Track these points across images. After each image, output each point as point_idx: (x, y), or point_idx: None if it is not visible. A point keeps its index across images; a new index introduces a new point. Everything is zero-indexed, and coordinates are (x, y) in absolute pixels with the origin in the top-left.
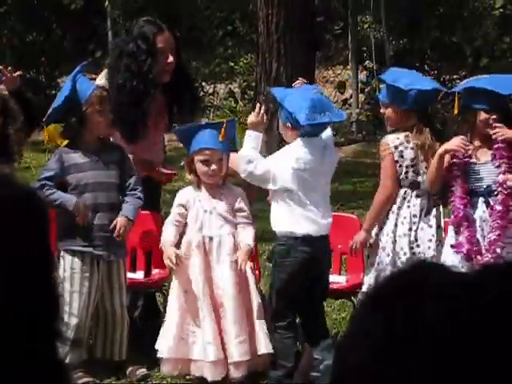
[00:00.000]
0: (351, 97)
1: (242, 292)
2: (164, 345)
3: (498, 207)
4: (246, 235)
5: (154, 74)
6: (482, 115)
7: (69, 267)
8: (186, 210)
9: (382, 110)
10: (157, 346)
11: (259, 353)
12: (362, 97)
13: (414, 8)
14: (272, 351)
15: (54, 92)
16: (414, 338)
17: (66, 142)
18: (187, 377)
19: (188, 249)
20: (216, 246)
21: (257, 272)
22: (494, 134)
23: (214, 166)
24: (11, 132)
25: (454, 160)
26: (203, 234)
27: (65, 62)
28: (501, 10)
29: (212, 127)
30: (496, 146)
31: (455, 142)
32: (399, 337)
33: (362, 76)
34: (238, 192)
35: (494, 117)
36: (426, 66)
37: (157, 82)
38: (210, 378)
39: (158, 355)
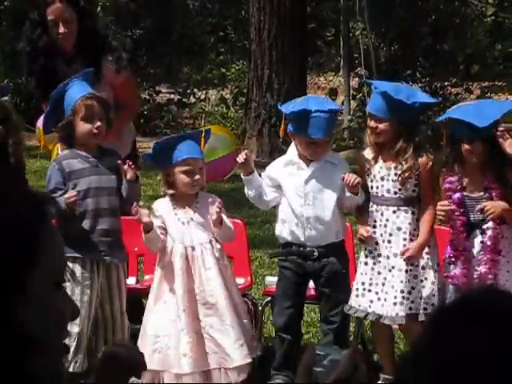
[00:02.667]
0: (343, 103)
1: (230, 298)
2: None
3: (489, 242)
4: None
5: (45, 44)
6: (465, 146)
7: (69, 275)
8: (163, 220)
9: (372, 124)
10: None
11: (251, 357)
12: (353, 103)
13: (406, 15)
14: (258, 354)
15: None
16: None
17: (56, 147)
18: None
19: (170, 260)
20: (199, 254)
21: (248, 278)
22: (486, 213)
23: (197, 176)
24: (10, 142)
25: (449, 194)
26: (185, 245)
27: None
28: (492, 17)
29: (189, 137)
30: (485, 184)
31: (441, 209)
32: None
33: (354, 83)
34: (212, 199)
35: (477, 147)
36: (417, 73)
37: (55, 51)
38: None
39: None
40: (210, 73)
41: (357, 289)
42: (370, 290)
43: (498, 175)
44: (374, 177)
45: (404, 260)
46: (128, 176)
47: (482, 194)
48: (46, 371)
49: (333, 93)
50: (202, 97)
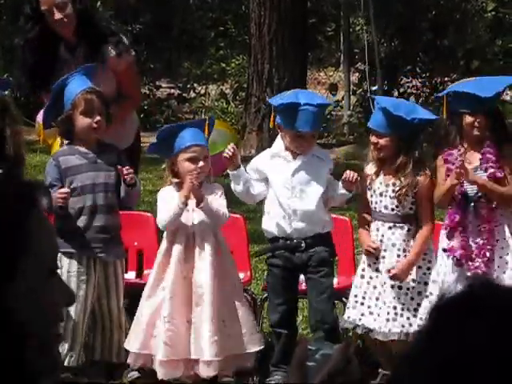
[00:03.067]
0: (343, 98)
1: (223, 291)
2: (133, 339)
3: (485, 211)
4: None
5: (36, 35)
6: (468, 119)
7: (66, 270)
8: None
9: (373, 139)
10: (126, 340)
11: (247, 351)
12: (353, 99)
13: (406, 11)
14: (258, 349)
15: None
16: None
17: (56, 142)
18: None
19: (171, 248)
20: (199, 243)
21: (248, 273)
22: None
23: (201, 163)
24: (8, 134)
25: (448, 166)
26: (187, 232)
27: None
28: (493, 12)
29: (192, 125)
30: (483, 150)
31: (454, 177)
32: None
33: (355, 78)
34: (216, 187)
35: (479, 120)
36: (417, 69)
37: (56, 40)
38: (159, 376)
39: (126, 347)
40: (210, 67)
41: (349, 301)
42: (362, 303)
43: (496, 149)
44: (374, 192)
45: (391, 278)
46: (127, 180)
47: (477, 165)
48: (38, 358)
49: (333, 88)
50: (202, 92)
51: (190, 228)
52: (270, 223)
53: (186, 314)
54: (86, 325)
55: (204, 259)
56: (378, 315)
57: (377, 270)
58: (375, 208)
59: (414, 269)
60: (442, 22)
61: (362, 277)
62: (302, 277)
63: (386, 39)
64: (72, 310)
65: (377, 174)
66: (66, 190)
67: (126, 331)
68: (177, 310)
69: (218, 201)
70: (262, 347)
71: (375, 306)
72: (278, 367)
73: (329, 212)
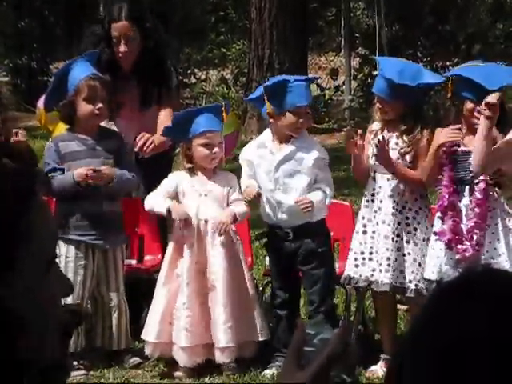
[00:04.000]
0: (344, 83)
1: (235, 278)
2: (151, 329)
3: (478, 195)
4: (236, 206)
5: (107, 59)
6: (469, 105)
7: (64, 256)
8: (174, 191)
9: (378, 104)
10: (144, 330)
11: (256, 339)
12: (354, 83)
13: None
14: (267, 337)
15: (45, 78)
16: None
17: (58, 128)
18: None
19: (183, 233)
20: (210, 229)
21: (249, 259)
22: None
23: (216, 149)
24: None
25: (443, 148)
26: (199, 218)
27: (57, 49)
28: None
29: (208, 110)
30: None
31: (448, 134)
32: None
33: (355, 63)
34: (229, 176)
35: (479, 108)
36: (418, 53)
37: (114, 67)
38: (181, 364)
39: (144, 338)
40: (210, 53)
41: (355, 259)
42: (370, 259)
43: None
44: (377, 144)
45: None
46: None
47: (472, 148)
48: (28, 349)
49: (334, 73)
50: (203, 77)
51: (201, 214)
52: (263, 211)
53: (202, 300)
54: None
55: (216, 246)
56: (379, 269)
57: (377, 223)
58: (376, 159)
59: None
60: (443, 6)
61: (365, 232)
62: None
63: (388, 24)
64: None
65: (382, 129)
66: (91, 167)
67: (126, 318)
68: (194, 296)
69: (239, 203)
70: (269, 337)
71: (372, 259)
72: (280, 351)
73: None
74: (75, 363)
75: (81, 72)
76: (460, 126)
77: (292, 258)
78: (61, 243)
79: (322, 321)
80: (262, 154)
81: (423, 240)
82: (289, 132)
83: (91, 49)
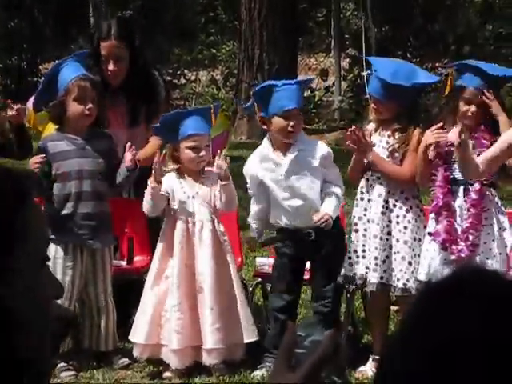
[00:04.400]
0: (334, 84)
1: (222, 279)
2: (139, 330)
3: (474, 195)
4: None
5: (95, 75)
6: (463, 108)
7: (52, 256)
8: (166, 193)
9: (373, 105)
10: (131, 332)
11: (244, 341)
12: (344, 84)
13: None
14: (256, 339)
15: (35, 79)
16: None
17: (48, 128)
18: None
19: (172, 235)
20: (198, 231)
21: (239, 259)
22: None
23: (203, 152)
24: None
25: (437, 149)
26: (186, 219)
27: (47, 49)
28: None
29: (197, 113)
30: (476, 135)
31: (433, 135)
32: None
33: (345, 64)
34: (216, 177)
35: (473, 110)
36: (408, 54)
37: (104, 85)
38: (173, 366)
39: (132, 339)
40: (200, 54)
41: (349, 257)
42: (364, 257)
43: (490, 133)
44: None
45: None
46: (126, 163)
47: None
48: (28, 348)
49: (324, 74)
50: (193, 78)
51: (189, 216)
52: (278, 217)
53: (193, 302)
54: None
55: (204, 247)
56: (370, 267)
57: (368, 221)
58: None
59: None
60: (432, 7)
61: (356, 231)
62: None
63: (377, 24)
64: None
65: (376, 129)
66: (40, 156)
67: (113, 319)
68: (184, 298)
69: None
70: (257, 339)
71: (363, 257)
72: (269, 353)
73: None
74: (64, 364)
75: (71, 72)
76: (442, 124)
77: (306, 259)
78: (50, 244)
79: (314, 322)
80: (266, 167)
81: (414, 239)
82: (281, 138)
83: (88, 63)
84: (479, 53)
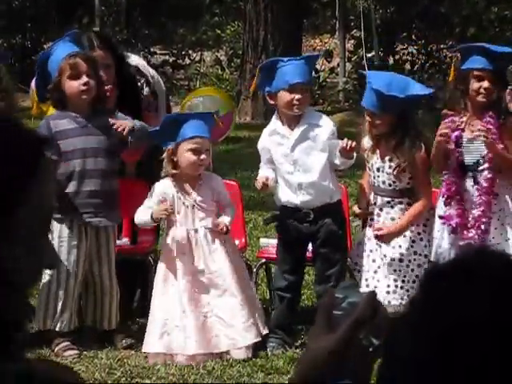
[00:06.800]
0: (338, 65)
1: (240, 277)
2: (151, 340)
3: (484, 183)
4: (225, 215)
5: None
6: (474, 85)
7: (57, 236)
8: (164, 199)
9: (368, 118)
10: (144, 342)
11: (259, 337)
12: (349, 66)
13: None
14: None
15: None
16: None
17: (50, 109)
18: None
19: (173, 244)
20: (203, 237)
21: (243, 240)
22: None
23: (203, 156)
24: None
25: (448, 132)
26: (187, 228)
27: (51, 28)
28: None
29: (198, 117)
30: (484, 120)
31: (441, 130)
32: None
33: (350, 45)
34: (214, 181)
35: (486, 86)
36: (413, 36)
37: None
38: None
39: (145, 350)
40: (204, 34)
41: (369, 278)
42: (373, 278)
43: (498, 119)
44: (372, 166)
45: (376, 237)
46: (125, 132)
47: (477, 133)
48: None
49: (328, 55)
50: (197, 58)
51: (190, 224)
52: (281, 193)
53: (203, 306)
54: (77, 290)
55: (214, 250)
56: (375, 287)
57: (376, 244)
58: (373, 183)
59: (412, 239)
60: None
61: (363, 250)
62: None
63: (382, 6)
64: (63, 275)
65: (373, 150)
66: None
67: (117, 298)
68: (194, 304)
69: (227, 211)
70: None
71: (372, 279)
72: (274, 333)
73: (336, 179)
74: (67, 343)
75: (61, 53)
76: (460, 105)
77: (307, 240)
78: (54, 223)
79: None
80: (275, 140)
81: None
82: (286, 111)
83: None
84: (484, 35)
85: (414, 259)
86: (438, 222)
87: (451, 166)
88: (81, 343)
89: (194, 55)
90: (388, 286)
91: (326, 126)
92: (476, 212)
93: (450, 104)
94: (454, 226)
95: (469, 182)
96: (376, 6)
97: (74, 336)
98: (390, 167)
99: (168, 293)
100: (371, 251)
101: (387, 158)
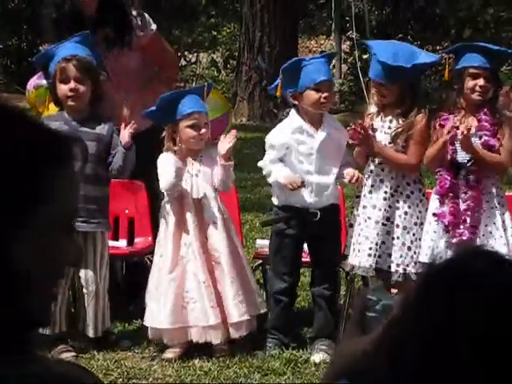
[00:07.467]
0: (334, 67)
1: (234, 253)
2: (164, 316)
3: (473, 178)
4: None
5: (69, 10)
6: (470, 83)
7: None
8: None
9: (375, 89)
10: (156, 320)
11: (257, 313)
12: (344, 67)
13: None
14: (265, 311)
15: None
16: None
17: (51, 109)
18: (169, 343)
19: (180, 214)
20: (207, 206)
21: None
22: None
23: (203, 130)
24: None
25: (443, 131)
26: (193, 197)
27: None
28: None
29: (192, 92)
30: (479, 117)
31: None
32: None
33: (346, 46)
34: (214, 154)
35: (481, 83)
36: (408, 37)
37: (79, 18)
38: (214, 342)
39: (158, 326)
40: (200, 35)
41: (353, 243)
42: (360, 243)
43: (492, 116)
44: (372, 126)
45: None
46: (123, 141)
47: (473, 131)
48: (36, 309)
49: None
50: (193, 60)
51: (195, 194)
52: (288, 191)
53: (213, 277)
54: (65, 294)
55: (214, 223)
56: (359, 251)
57: (363, 207)
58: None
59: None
60: None
61: (358, 216)
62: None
63: (377, 7)
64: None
65: (378, 113)
66: None
67: (104, 304)
68: (208, 274)
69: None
70: (266, 310)
71: (356, 243)
72: (271, 334)
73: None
74: (64, 346)
75: (60, 55)
76: (455, 103)
77: (304, 241)
78: None
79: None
80: (299, 138)
81: (415, 224)
82: (314, 110)
83: (55, 1)
84: (480, 36)
85: (397, 225)
86: (428, 222)
87: (444, 164)
88: (77, 346)
89: (190, 56)
90: (370, 248)
91: (343, 130)
92: (463, 206)
93: (446, 105)
94: (446, 223)
95: (463, 180)
96: (372, 7)
97: (71, 338)
98: (389, 128)
99: (179, 266)
100: (358, 215)
101: (388, 119)
